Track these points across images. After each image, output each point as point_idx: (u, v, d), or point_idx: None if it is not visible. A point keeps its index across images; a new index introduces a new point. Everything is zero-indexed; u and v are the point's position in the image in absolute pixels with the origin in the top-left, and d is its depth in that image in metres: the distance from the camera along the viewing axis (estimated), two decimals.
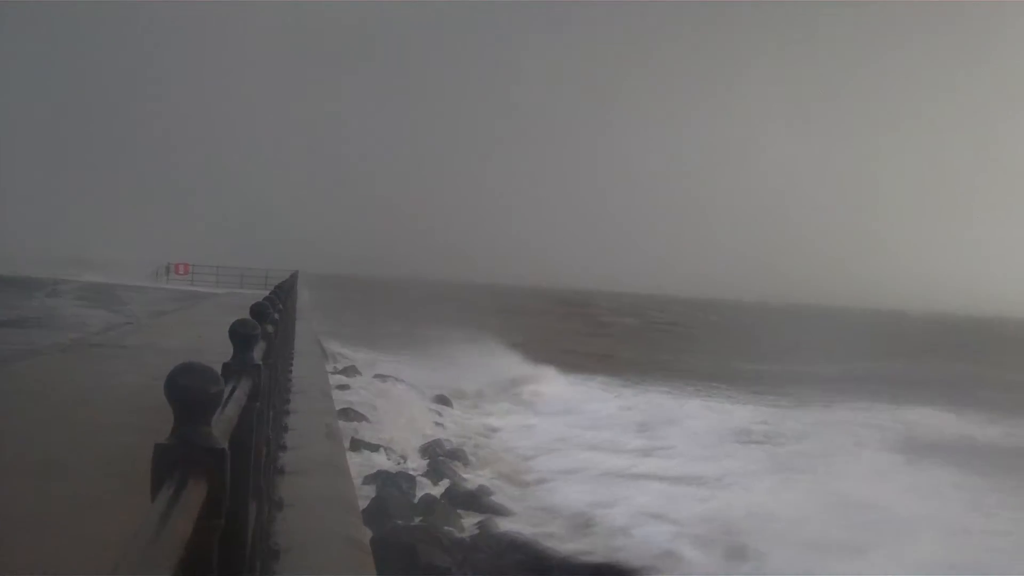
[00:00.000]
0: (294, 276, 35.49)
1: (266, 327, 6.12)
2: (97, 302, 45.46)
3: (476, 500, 19.81)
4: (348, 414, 24.80)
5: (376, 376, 41.15)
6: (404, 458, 23.27)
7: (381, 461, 21.91)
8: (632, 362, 67.38)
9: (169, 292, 62.40)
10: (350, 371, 40.27)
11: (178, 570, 1.69)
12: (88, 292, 53.88)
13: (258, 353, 4.90)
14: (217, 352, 4.77)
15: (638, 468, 29.17)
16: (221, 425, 2.79)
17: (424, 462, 22.73)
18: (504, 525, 18.68)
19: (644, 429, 36.55)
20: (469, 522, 18.20)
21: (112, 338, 26.96)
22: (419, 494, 19.08)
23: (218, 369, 3.26)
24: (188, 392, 2.34)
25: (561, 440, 33.11)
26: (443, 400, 36.68)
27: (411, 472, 21.12)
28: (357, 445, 21.55)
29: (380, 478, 19.14)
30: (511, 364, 57.35)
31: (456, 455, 24.88)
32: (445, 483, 20.62)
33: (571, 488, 25.60)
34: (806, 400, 51.39)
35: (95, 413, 14.47)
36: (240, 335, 4.74)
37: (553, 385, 48.07)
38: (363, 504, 13.73)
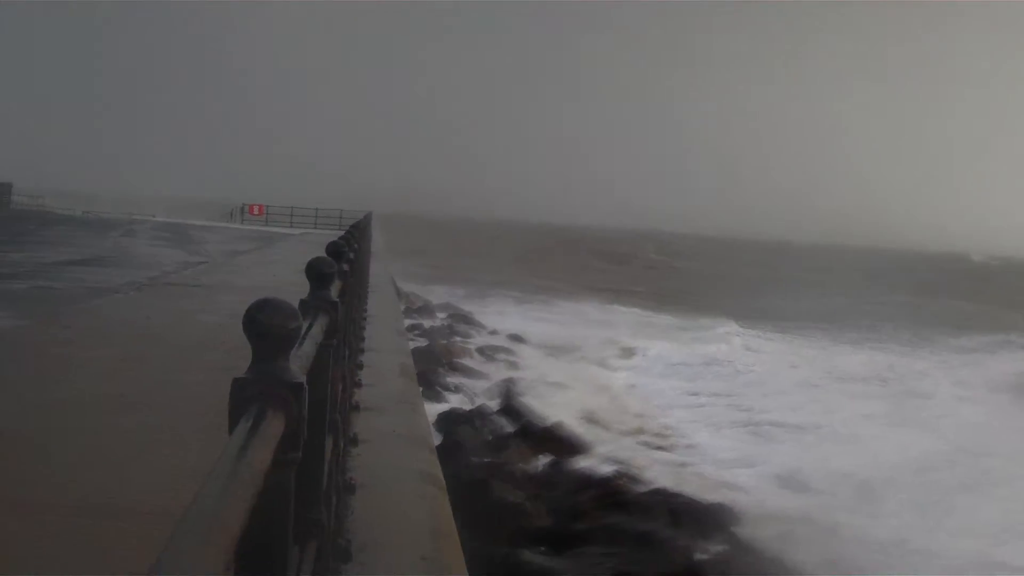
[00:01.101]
0: (368, 216, 35.64)
1: (342, 265, 6.14)
2: (172, 242, 45.93)
3: (551, 438, 19.84)
4: (422, 353, 24.93)
5: (450, 315, 41.31)
6: (477, 396, 23.38)
7: (455, 399, 22.04)
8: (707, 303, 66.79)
9: (244, 232, 62.91)
10: (424, 311, 40.47)
11: (256, 502, 1.69)
12: (163, 232, 54.47)
13: (334, 291, 4.92)
14: (293, 291, 4.78)
15: (742, 414, 28.86)
16: (299, 361, 2.79)
17: (497, 401, 22.80)
18: (580, 463, 18.74)
19: (745, 375, 35.69)
20: (543, 460, 18.26)
21: (187, 277, 27.24)
22: (493, 432, 19.17)
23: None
24: (266, 327, 2.33)
25: (645, 382, 32.93)
26: (517, 339, 36.66)
27: (485, 410, 21.21)
28: (431, 383, 21.68)
29: (454, 416, 19.25)
30: (589, 308, 57.38)
31: (530, 393, 24.94)
32: (519, 421, 20.66)
33: (656, 427, 25.62)
34: (914, 340, 50.55)
35: (171, 351, 14.65)
36: (317, 272, 4.76)
37: (633, 329, 47.55)
38: (437, 441, 13.81)
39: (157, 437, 9.65)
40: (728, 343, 43.22)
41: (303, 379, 2.38)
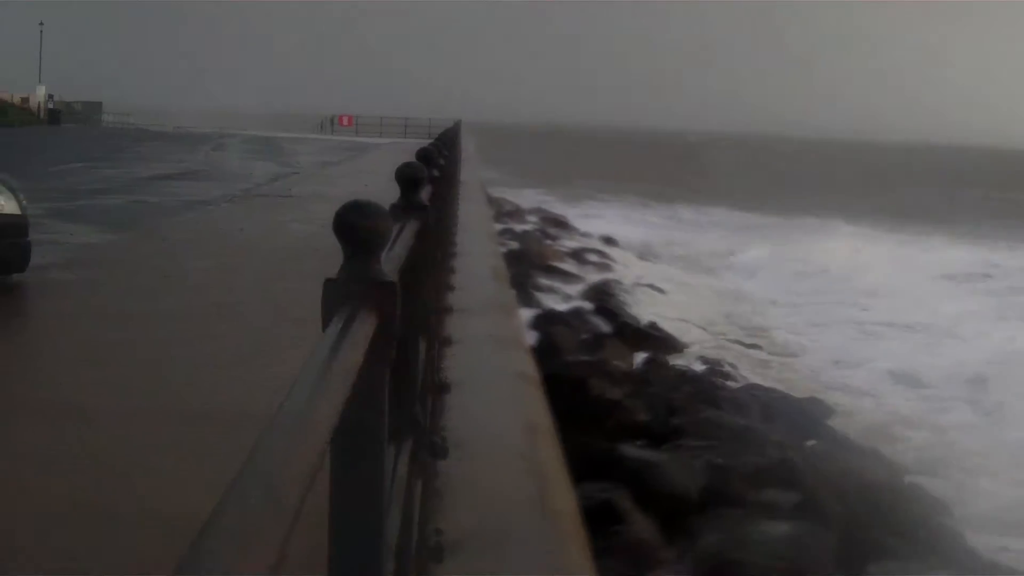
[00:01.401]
0: (457, 125, 35.53)
1: (431, 171, 6.16)
2: (262, 154, 46.22)
3: (646, 337, 19.86)
4: (514, 256, 24.95)
5: (542, 219, 41.21)
6: (572, 298, 23.39)
7: (549, 301, 22.07)
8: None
9: (333, 143, 63.11)
10: (515, 215, 40.43)
11: (350, 398, 1.72)
12: (253, 145, 54.82)
13: (424, 195, 4.95)
14: (384, 199, 4.80)
15: (847, 312, 28.54)
16: (390, 263, 2.81)
17: (593, 303, 22.78)
18: (675, 361, 18.76)
19: (848, 274, 34.97)
20: (639, 358, 18.29)
21: (278, 188, 27.47)
22: (588, 332, 19.20)
23: None
24: (357, 229, 2.34)
25: (744, 283, 32.60)
26: (610, 241, 36.54)
27: (580, 311, 21.23)
28: (524, 286, 21.72)
29: (548, 317, 19.29)
30: (686, 211, 56.89)
31: (625, 294, 24.92)
32: (614, 321, 20.66)
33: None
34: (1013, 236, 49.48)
35: (264, 261, 14.83)
36: (407, 177, 4.78)
37: (731, 231, 46.82)
38: (532, 341, 13.89)
39: (254, 345, 9.81)
40: (829, 243, 42.50)
41: (395, 279, 2.40)
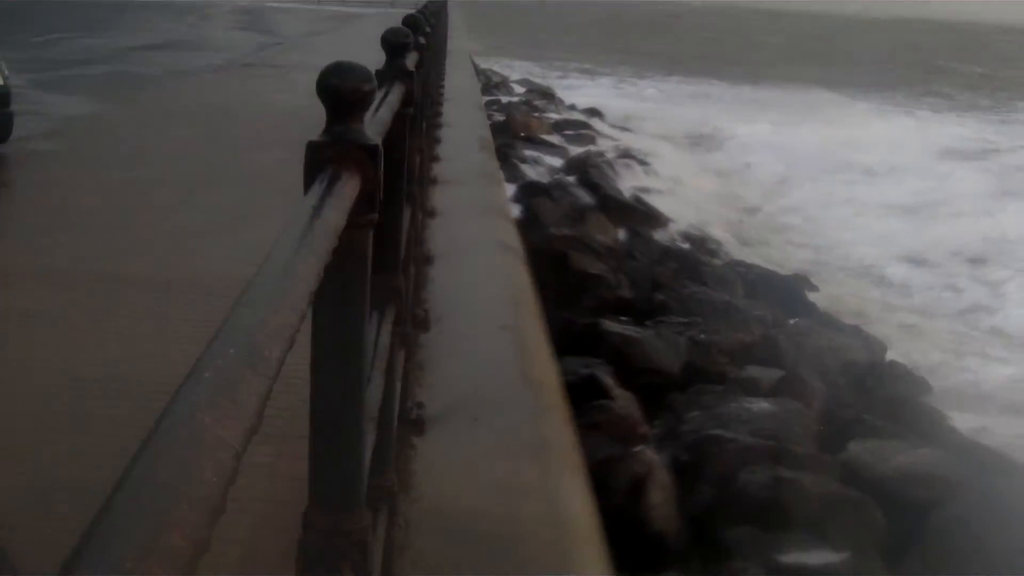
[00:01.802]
0: None
1: (418, 38, 6.06)
2: (247, 24, 45.72)
3: (631, 210, 19.78)
4: (500, 127, 24.78)
5: (529, 91, 40.91)
6: (556, 170, 23.25)
7: (533, 173, 21.94)
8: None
9: (319, 12, 62.33)
10: (502, 86, 40.13)
11: (333, 259, 1.69)
12: (238, 15, 54.14)
13: (410, 61, 4.87)
14: (371, 68, 4.73)
15: (846, 191, 28.41)
16: (374, 127, 2.78)
17: (576, 175, 22.64)
18: (659, 235, 18.72)
19: (850, 152, 34.54)
20: (623, 231, 18.23)
21: (263, 58, 27.19)
22: (571, 204, 19.10)
23: None
24: (340, 90, 2.31)
25: (738, 158, 32.32)
26: (594, 113, 36.24)
27: (563, 183, 21.11)
28: (509, 157, 21.58)
29: (532, 188, 19.18)
30: (677, 85, 56.43)
31: (610, 167, 24.77)
32: (597, 193, 20.54)
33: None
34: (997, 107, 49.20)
35: (248, 130, 14.73)
36: (392, 43, 4.71)
37: (725, 105, 46.27)
38: (515, 213, 13.85)
39: (237, 213, 9.76)
40: (821, 118, 42.09)
41: (378, 142, 2.36)
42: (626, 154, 27.57)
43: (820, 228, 23.85)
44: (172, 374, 1.08)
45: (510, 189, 17.33)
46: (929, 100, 55.18)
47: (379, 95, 3.55)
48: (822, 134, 36.17)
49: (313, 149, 2.23)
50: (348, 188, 2.11)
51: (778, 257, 20.22)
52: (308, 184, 2.10)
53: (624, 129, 34.22)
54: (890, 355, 14.09)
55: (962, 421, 11.98)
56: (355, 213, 2.15)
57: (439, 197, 10.27)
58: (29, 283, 7.51)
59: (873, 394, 12.10)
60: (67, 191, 10.52)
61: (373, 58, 4.67)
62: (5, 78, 12.28)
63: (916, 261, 21.31)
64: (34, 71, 20.27)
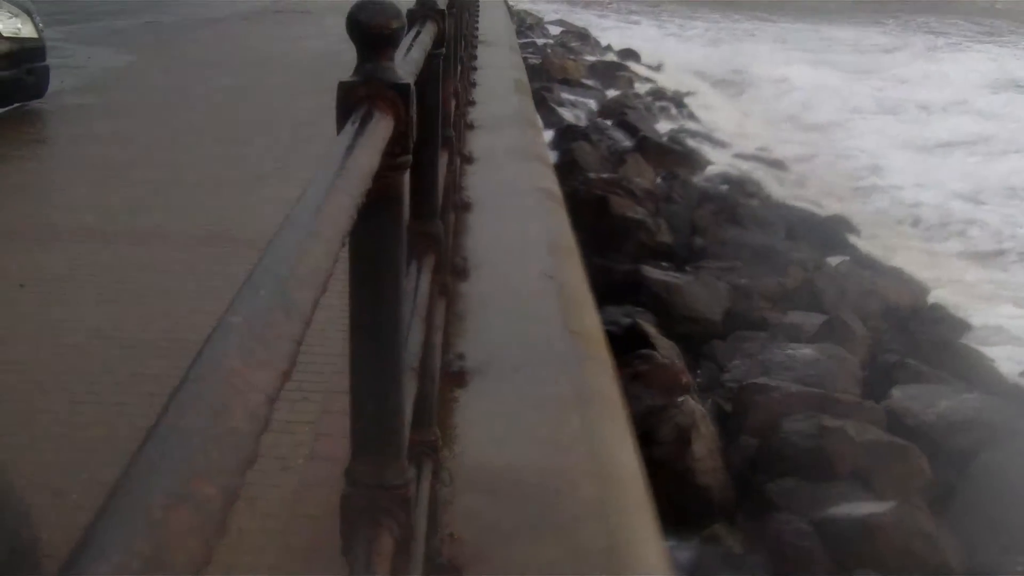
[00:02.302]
0: None
1: None
2: None
3: (669, 152, 19.60)
4: (536, 70, 24.59)
5: (564, 32, 40.64)
6: (594, 113, 23.07)
7: (570, 116, 21.77)
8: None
9: None
10: (536, 28, 39.89)
11: (367, 202, 1.60)
12: None
13: (441, 0, 4.76)
14: (405, 8, 4.62)
15: (905, 130, 28.12)
16: (406, 66, 2.69)
17: (611, 118, 22.47)
18: (698, 178, 18.53)
19: (901, 91, 34.05)
20: (661, 174, 18.07)
21: (294, 3, 27.03)
22: (609, 148, 18.95)
23: None
24: (368, 28, 2.23)
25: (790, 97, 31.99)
26: (632, 55, 35.90)
27: (600, 126, 20.94)
28: (545, 100, 21.40)
29: (570, 132, 19.03)
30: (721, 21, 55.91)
31: (648, 110, 24.59)
32: (635, 136, 20.37)
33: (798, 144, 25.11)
34: None
35: (282, 78, 14.66)
36: None
37: (770, 45, 45.89)
38: (553, 158, 13.72)
39: (275, 163, 9.70)
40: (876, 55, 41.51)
41: (410, 81, 2.28)
42: (664, 95, 27.37)
43: (869, 169, 23.55)
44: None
45: (548, 133, 17.19)
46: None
47: (411, 34, 3.46)
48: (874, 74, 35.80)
49: (344, 89, 2.16)
50: (381, 128, 2.03)
51: (823, 199, 20.03)
52: (341, 124, 2.03)
53: (661, 70, 33.90)
54: (933, 297, 13.91)
55: (1007, 363, 11.82)
56: (388, 154, 2.07)
57: (476, 142, 10.16)
58: (68, 240, 7.48)
59: (916, 337, 11.95)
60: (104, 146, 10.49)
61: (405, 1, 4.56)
62: (40, 31, 12.20)
63: (970, 199, 20.99)
64: (67, 23, 20.22)
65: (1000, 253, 17.94)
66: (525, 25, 38.67)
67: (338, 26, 2.40)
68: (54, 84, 12.49)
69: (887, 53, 43.62)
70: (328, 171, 1.58)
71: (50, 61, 12.39)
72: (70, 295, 6.44)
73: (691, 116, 25.79)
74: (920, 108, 30.76)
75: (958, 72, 37.91)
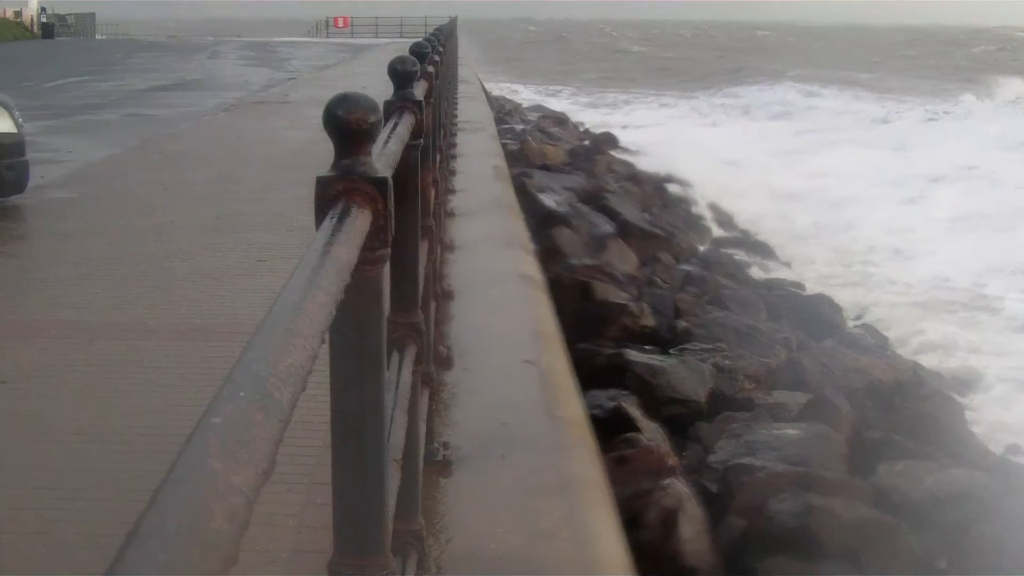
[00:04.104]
0: (453, 21, 35.01)
1: (425, 66, 5.99)
2: (257, 60, 45.84)
3: (651, 235, 19.58)
4: (514, 156, 24.66)
5: (542, 116, 40.86)
6: (572, 196, 23.10)
7: (550, 201, 21.81)
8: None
9: (329, 46, 62.59)
10: (514, 113, 40.12)
11: (345, 297, 1.61)
12: (248, 51, 54.35)
13: (419, 91, 4.79)
14: (382, 100, 4.66)
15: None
16: (384, 159, 2.72)
17: (593, 202, 22.49)
18: (679, 262, 18.58)
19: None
20: (643, 258, 18.10)
21: (274, 95, 27.23)
22: (590, 233, 18.96)
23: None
24: (346, 122, 2.27)
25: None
26: (609, 137, 36.05)
27: (580, 211, 20.97)
28: (524, 185, 21.45)
29: (550, 218, 19.04)
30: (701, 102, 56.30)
31: (626, 192, 24.63)
32: (616, 220, 20.36)
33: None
34: None
35: (262, 170, 14.72)
36: (399, 73, 4.63)
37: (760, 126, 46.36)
38: (534, 244, 13.76)
39: (257, 255, 9.71)
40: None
41: (388, 175, 2.30)
42: (644, 178, 27.49)
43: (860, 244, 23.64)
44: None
45: (528, 219, 17.23)
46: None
47: (388, 127, 3.49)
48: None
49: (322, 184, 2.19)
50: (359, 223, 2.05)
51: (810, 274, 20.14)
52: (319, 220, 2.05)
53: (642, 154, 34.05)
54: (918, 373, 13.93)
55: (993, 439, 11.82)
56: (367, 249, 2.10)
57: (457, 230, 10.21)
58: (50, 336, 7.47)
59: (901, 413, 11.95)
60: (85, 240, 10.49)
61: (382, 87, 4.60)
62: (19, 126, 12.23)
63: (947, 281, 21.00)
64: (48, 117, 20.33)
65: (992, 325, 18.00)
66: (504, 110, 38.91)
67: (317, 117, 2.43)
68: (35, 179, 12.50)
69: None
70: (306, 267, 1.60)
71: (30, 156, 12.42)
72: (52, 391, 6.41)
73: (673, 202, 25.90)
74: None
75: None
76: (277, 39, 71.38)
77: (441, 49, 9.65)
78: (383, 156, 2.79)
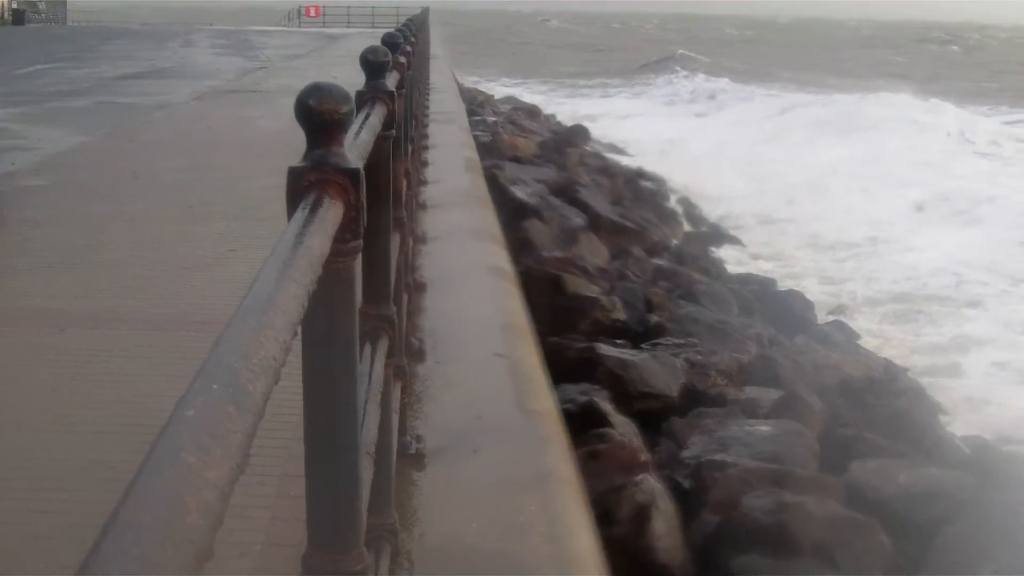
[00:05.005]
0: (425, 11, 34.90)
1: (397, 57, 5.95)
2: (230, 49, 45.61)
3: (622, 228, 19.62)
4: (486, 148, 24.63)
5: (513, 108, 40.84)
6: (544, 189, 23.11)
7: (522, 193, 21.81)
8: None
9: (301, 35, 62.33)
10: (486, 105, 40.06)
11: (318, 288, 1.59)
12: (221, 39, 54.08)
13: (391, 81, 4.76)
14: (354, 90, 4.62)
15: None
16: (356, 150, 2.70)
17: (566, 195, 22.49)
18: (651, 255, 18.60)
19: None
20: (615, 251, 18.11)
21: (247, 84, 27.10)
22: (561, 226, 18.98)
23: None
24: (318, 112, 2.24)
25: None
26: (580, 129, 36.06)
27: (552, 203, 20.98)
28: (496, 178, 21.43)
29: (521, 210, 19.02)
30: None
31: (598, 184, 24.65)
32: (587, 213, 20.38)
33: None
34: None
35: (234, 158, 14.65)
36: (371, 63, 4.60)
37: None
38: (506, 236, 13.75)
39: (228, 245, 9.66)
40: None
41: (359, 166, 2.28)
42: (615, 171, 27.50)
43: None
44: (168, 415, 1.01)
45: (500, 212, 17.19)
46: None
47: (360, 117, 3.46)
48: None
49: (294, 175, 2.17)
50: (331, 214, 2.03)
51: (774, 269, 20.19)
52: (291, 210, 2.03)
53: (620, 151, 34.15)
54: (890, 369, 13.97)
55: (965, 435, 11.87)
56: (339, 240, 2.07)
57: (429, 221, 10.18)
58: (21, 326, 7.40)
59: (873, 410, 11.98)
60: (55, 228, 10.41)
61: (354, 77, 4.56)
62: None
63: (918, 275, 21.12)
64: (19, 104, 20.19)
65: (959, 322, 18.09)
66: (475, 102, 38.85)
67: (289, 106, 2.40)
68: (4, 166, 12.42)
69: None
70: (278, 259, 1.57)
71: (1, 143, 12.33)
72: (25, 380, 6.36)
73: (645, 196, 25.94)
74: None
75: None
76: (249, 28, 71.08)
77: (412, 39, 9.61)
78: (355, 147, 2.76)
